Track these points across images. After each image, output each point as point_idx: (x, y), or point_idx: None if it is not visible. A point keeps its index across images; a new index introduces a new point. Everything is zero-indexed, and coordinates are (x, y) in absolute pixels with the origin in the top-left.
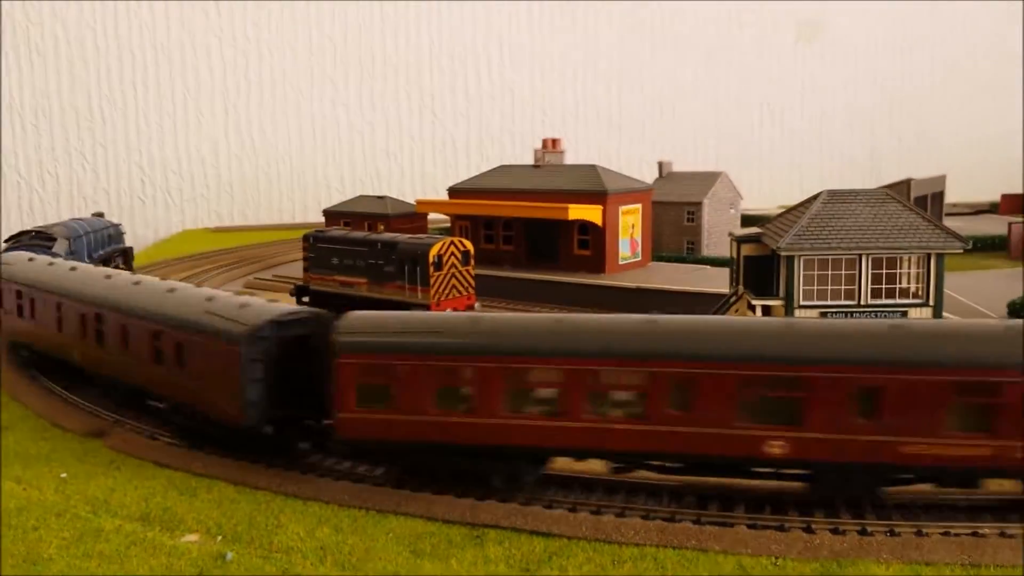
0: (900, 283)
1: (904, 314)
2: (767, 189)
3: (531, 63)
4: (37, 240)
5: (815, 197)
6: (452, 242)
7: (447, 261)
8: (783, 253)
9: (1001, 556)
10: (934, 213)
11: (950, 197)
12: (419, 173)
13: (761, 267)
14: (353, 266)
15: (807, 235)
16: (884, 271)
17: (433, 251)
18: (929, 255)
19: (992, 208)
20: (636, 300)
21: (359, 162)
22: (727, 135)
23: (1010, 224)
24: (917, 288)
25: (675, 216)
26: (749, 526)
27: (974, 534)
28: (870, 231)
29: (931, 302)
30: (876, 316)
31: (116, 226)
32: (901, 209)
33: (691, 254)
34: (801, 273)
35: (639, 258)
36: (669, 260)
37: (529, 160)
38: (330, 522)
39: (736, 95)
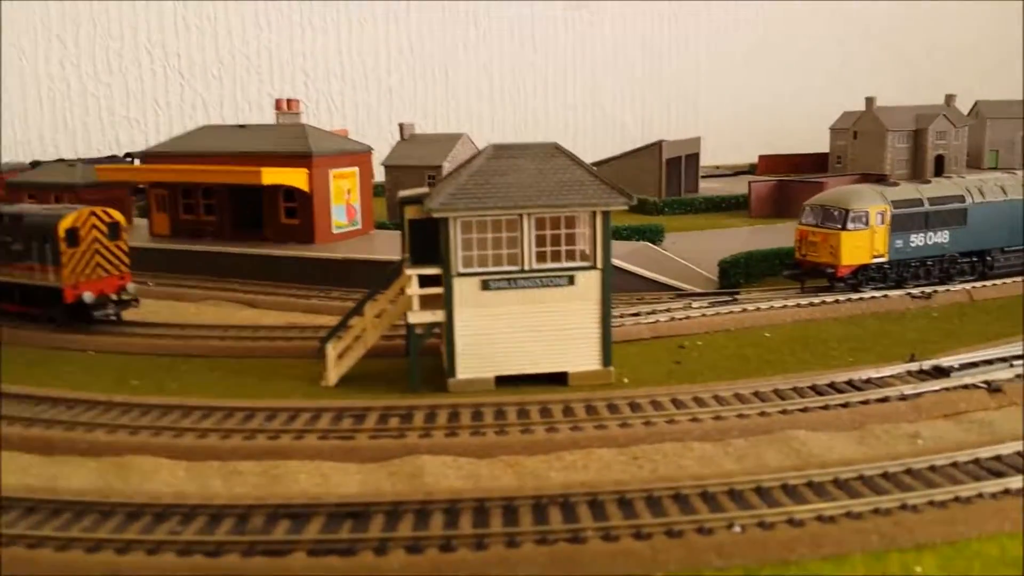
0: (568, 245)
1: (571, 279)
2: None
3: (290, 22)
4: None
5: (481, 152)
6: (93, 213)
7: (86, 236)
8: (435, 214)
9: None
10: (689, 173)
11: (717, 160)
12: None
13: (426, 231)
14: None
15: (463, 194)
16: (548, 232)
17: (64, 224)
18: (595, 213)
19: (751, 169)
20: (345, 271)
21: (95, 130)
22: (501, 101)
23: (750, 183)
24: (589, 250)
25: (416, 180)
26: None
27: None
28: (533, 188)
29: (599, 264)
30: (543, 282)
31: None
32: (568, 163)
33: None
34: (459, 237)
35: (359, 226)
36: None
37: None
38: None
39: (510, 61)
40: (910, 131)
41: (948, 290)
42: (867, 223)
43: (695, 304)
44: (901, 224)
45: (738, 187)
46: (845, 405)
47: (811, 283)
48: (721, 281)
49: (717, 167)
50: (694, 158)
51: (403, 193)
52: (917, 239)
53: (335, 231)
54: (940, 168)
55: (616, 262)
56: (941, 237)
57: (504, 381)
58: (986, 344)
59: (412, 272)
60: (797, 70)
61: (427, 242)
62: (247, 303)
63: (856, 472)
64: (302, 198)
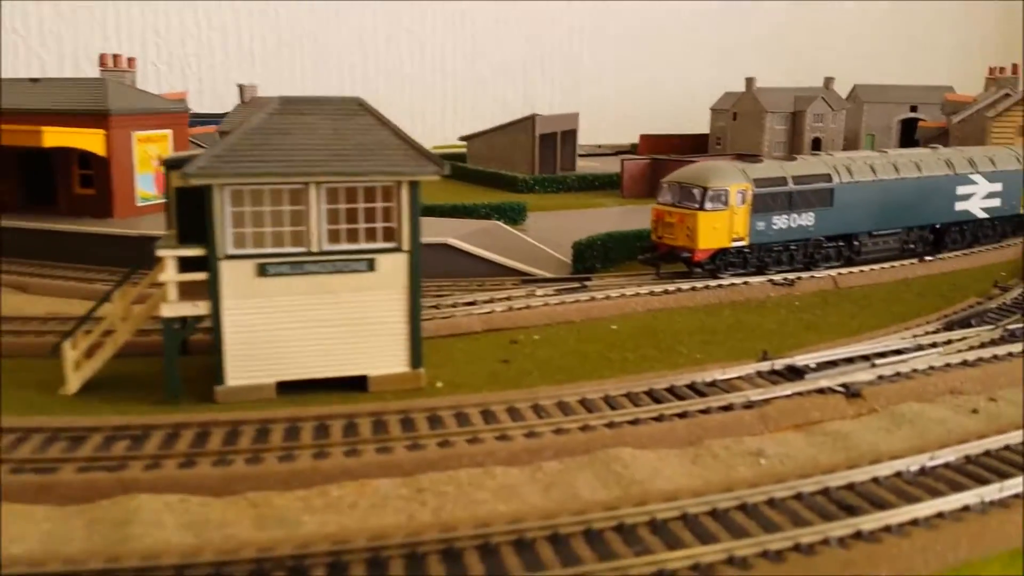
0: (368, 221)
1: (371, 263)
2: (415, 127)
3: None
4: None
5: (263, 105)
6: None
7: None
8: (194, 181)
9: None
10: (566, 151)
11: (600, 139)
12: None
13: (197, 203)
14: None
15: (233, 156)
16: (343, 205)
17: None
18: (400, 183)
19: (633, 149)
20: (140, 251)
21: None
22: (375, 70)
23: (622, 161)
24: (395, 228)
25: None
26: None
27: None
28: (325, 151)
29: (406, 246)
30: (335, 267)
31: None
32: (372, 123)
33: None
34: (228, 210)
35: None
36: None
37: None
38: None
39: (384, 29)
40: (788, 113)
41: (812, 276)
42: (727, 203)
43: (539, 292)
44: (764, 204)
45: (616, 166)
46: (683, 415)
47: (667, 268)
48: (575, 265)
49: (599, 146)
50: (571, 134)
51: (169, 155)
52: (780, 221)
53: (140, 203)
54: (817, 151)
55: (457, 243)
56: (806, 219)
57: (290, 388)
58: (848, 339)
59: (167, 254)
60: (682, 47)
61: (198, 216)
62: (18, 287)
63: (679, 510)
64: (98, 164)
